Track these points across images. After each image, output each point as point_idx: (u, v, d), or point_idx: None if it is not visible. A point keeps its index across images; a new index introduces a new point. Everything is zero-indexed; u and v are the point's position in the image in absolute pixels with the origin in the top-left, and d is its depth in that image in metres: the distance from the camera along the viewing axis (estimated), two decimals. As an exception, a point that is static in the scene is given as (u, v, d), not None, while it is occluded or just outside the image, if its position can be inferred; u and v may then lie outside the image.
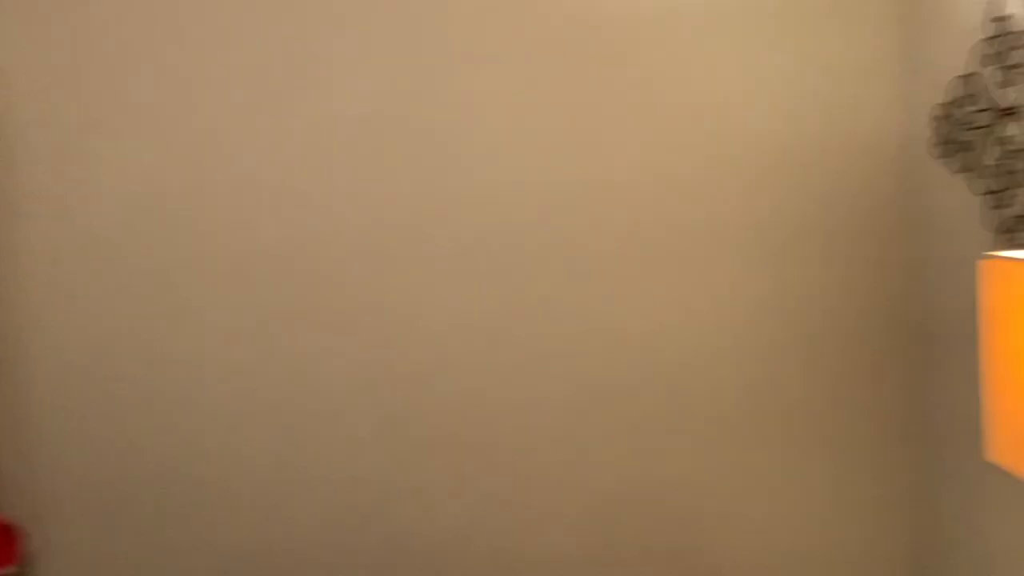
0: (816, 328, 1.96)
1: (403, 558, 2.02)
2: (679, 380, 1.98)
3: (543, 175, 1.93)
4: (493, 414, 1.98)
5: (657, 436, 1.99)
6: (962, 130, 1.64)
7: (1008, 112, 1.49)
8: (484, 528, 2.01)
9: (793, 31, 1.90)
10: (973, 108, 1.60)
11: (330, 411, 1.98)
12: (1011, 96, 1.48)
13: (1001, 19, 1.48)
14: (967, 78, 1.61)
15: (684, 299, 1.96)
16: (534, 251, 1.95)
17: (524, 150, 1.93)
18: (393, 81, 1.91)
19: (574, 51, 1.91)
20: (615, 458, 2.00)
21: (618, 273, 1.95)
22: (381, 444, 1.99)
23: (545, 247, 1.95)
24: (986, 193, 1.58)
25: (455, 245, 1.94)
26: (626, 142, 1.93)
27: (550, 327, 1.96)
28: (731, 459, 2.00)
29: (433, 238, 1.94)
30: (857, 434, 1.98)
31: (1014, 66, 1.46)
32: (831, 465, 1.99)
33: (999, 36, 1.49)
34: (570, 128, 1.92)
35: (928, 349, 1.87)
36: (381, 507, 2.01)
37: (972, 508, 1.74)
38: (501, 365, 1.98)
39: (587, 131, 1.92)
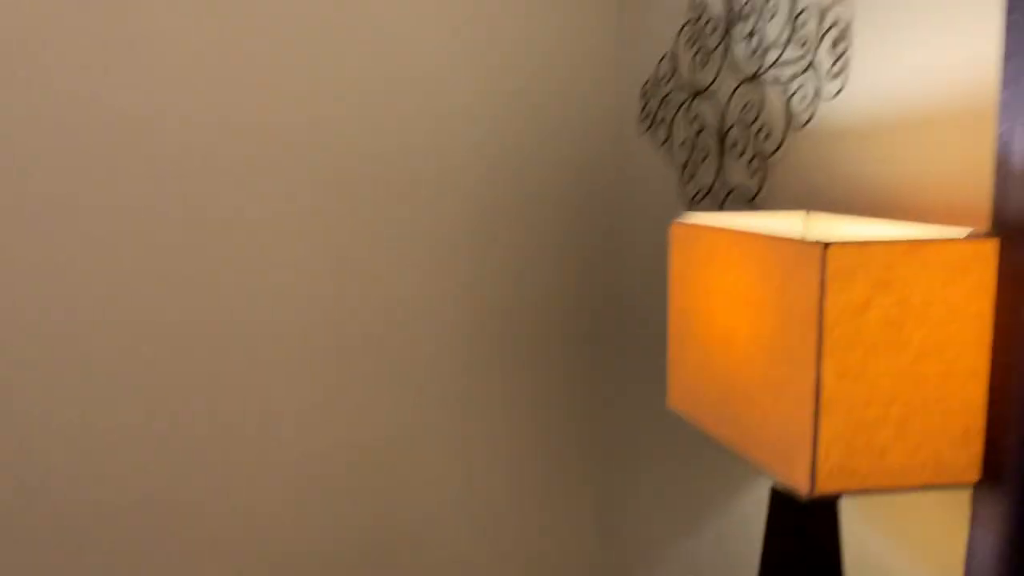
0: (528, 290, 2.04)
1: (92, 527, 1.85)
2: (378, 338, 1.97)
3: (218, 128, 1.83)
4: (187, 380, 1.87)
5: (357, 399, 1.99)
6: (662, 107, 1.77)
7: (700, 92, 1.63)
8: (175, 497, 1.89)
9: (522, 5, 1.94)
10: (672, 87, 1.73)
11: None
12: (704, 77, 1.62)
13: (700, 4, 1.61)
14: (671, 57, 1.74)
15: (397, 256, 1.95)
16: (213, 216, 1.85)
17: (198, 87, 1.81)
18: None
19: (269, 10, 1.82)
20: (313, 424, 1.97)
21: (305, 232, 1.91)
22: (71, 400, 1.80)
23: (228, 210, 1.85)
24: (680, 166, 1.72)
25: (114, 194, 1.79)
26: (331, 103, 1.88)
27: (237, 290, 1.88)
28: (431, 420, 2.04)
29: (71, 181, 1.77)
30: (558, 390, 2.10)
31: (707, 49, 1.59)
32: (529, 423, 2.10)
33: (698, 20, 1.62)
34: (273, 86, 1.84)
35: (630, 311, 2.02)
36: (55, 471, 1.82)
37: (658, 454, 1.91)
38: (182, 334, 1.86)
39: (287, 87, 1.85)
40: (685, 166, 1.69)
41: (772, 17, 1.39)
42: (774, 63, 1.39)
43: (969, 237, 0.90)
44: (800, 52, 1.32)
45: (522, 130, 1.97)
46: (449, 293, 1.99)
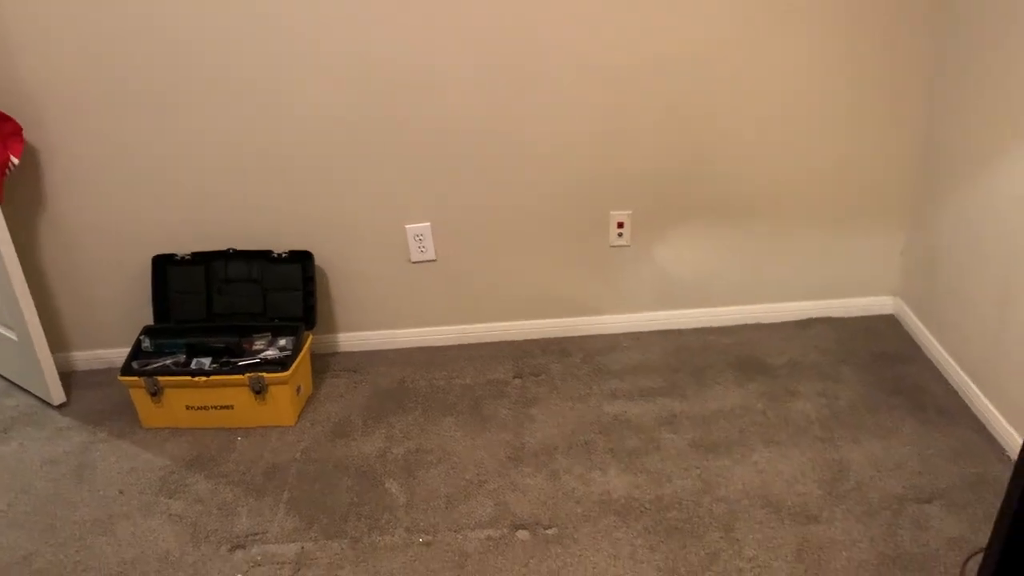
0: None
1: (427, 141, 2.24)
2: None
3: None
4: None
5: (668, 11, 2.10)
6: None
7: None
8: (498, 115, 2.22)
9: None
10: None
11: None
12: None
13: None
14: None
15: None
16: None
17: None
18: None
19: None
20: (630, 36, 2.11)
21: None
22: (407, 37, 2.10)
23: None
24: None
25: None
26: None
27: None
28: (743, 29, 2.10)
29: None
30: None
31: None
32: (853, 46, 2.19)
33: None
34: None
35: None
36: (407, 96, 2.17)
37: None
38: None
39: None
40: None
41: None
42: None
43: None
44: None
45: None
46: None
